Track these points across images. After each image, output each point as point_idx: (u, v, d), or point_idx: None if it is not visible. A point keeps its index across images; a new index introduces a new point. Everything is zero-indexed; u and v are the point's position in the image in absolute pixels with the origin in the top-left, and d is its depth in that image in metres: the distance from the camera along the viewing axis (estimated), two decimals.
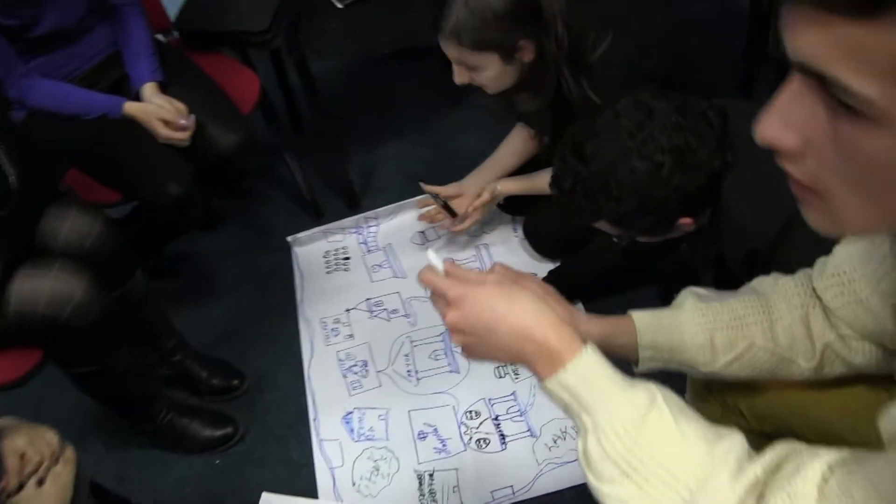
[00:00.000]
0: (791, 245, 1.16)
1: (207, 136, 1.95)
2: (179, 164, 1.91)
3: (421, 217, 2.23)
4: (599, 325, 1.10)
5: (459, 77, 1.67)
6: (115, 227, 1.73)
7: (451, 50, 1.61)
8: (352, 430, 1.95)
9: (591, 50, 1.61)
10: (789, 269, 1.08)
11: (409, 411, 1.96)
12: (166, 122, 1.86)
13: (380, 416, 1.97)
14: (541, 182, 1.97)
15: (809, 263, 1.04)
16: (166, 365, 2.03)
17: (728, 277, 1.34)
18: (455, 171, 2.22)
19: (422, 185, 2.14)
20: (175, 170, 1.89)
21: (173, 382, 2.06)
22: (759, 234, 1.22)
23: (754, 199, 1.22)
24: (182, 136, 1.88)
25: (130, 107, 1.87)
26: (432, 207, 2.18)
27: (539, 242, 2.17)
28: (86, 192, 1.93)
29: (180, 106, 1.89)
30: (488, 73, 1.63)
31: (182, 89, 1.97)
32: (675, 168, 1.18)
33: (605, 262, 1.99)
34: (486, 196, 2.04)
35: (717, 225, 1.31)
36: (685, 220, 1.28)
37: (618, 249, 1.48)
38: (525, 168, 2.08)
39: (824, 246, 1.01)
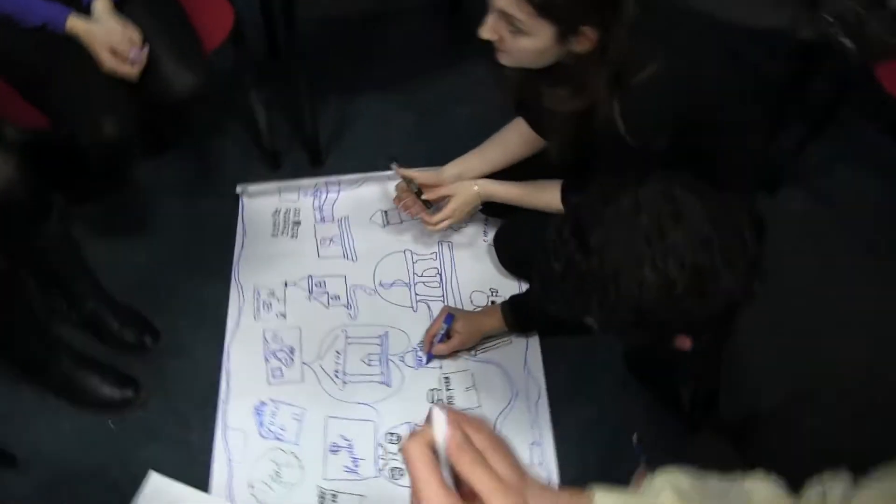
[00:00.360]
0: (792, 421, 1.00)
1: (160, 72, 1.67)
2: (122, 99, 1.64)
3: (395, 200, 1.98)
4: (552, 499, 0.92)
5: (491, 30, 1.38)
6: (27, 171, 1.47)
7: (501, 11, 1.33)
8: (261, 424, 1.78)
9: (637, 69, 1.37)
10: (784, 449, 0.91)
11: (326, 417, 1.78)
12: (114, 51, 1.59)
13: (294, 415, 1.79)
14: (535, 198, 1.76)
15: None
16: (74, 310, 1.82)
17: (706, 402, 1.18)
18: (439, 147, 2.01)
19: (393, 167, 1.90)
20: (115, 105, 1.62)
21: (79, 327, 1.86)
22: (764, 398, 1.04)
23: (769, 351, 1.05)
24: (130, 71, 1.61)
25: (75, 24, 1.58)
26: (405, 193, 1.94)
27: (507, 256, 1.96)
28: (9, 108, 1.66)
29: (134, 34, 1.61)
30: (531, 42, 1.35)
31: (141, 11, 1.68)
32: (690, 291, 0.99)
33: None
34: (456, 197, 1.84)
35: (718, 357, 1.12)
36: (682, 340, 1.10)
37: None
38: (515, 171, 1.85)
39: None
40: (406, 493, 1.56)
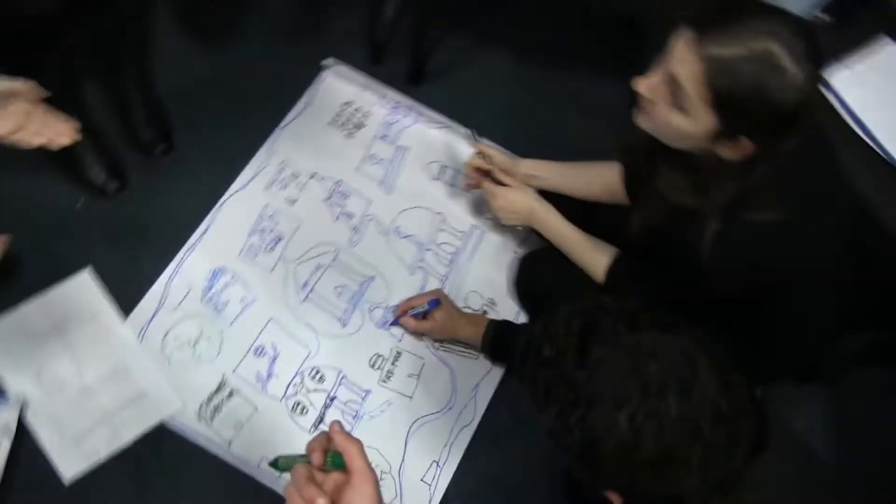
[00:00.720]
0: None
1: None
2: None
3: (466, 167, 1.80)
4: None
5: (650, 89, 1.19)
6: None
7: (686, 61, 1.11)
8: (209, 289, 1.70)
9: (762, 205, 1.20)
10: None
11: (270, 318, 1.69)
12: None
13: (244, 298, 1.70)
14: (582, 252, 1.61)
15: None
16: (113, 79, 1.74)
17: None
18: (524, 140, 1.86)
19: (474, 135, 1.76)
20: None
21: (107, 100, 1.77)
22: None
23: None
24: None
25: None
26: (476, 168, 1.76)
27: (522, 283, 1.81)
28: None
29: None
30: (685, 123, 1.17)
31: None
32: (651, 465, 0.87)
33: None
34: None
35: None
36: (615, 496, 0.98)
37: None
38: (579, 207, 1.70)
39: None
40: (294, 429, 1.50)
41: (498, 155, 1.73)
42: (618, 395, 0.87)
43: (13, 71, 1.23)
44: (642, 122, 1.26)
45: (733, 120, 1.12)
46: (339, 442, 0.89)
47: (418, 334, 1.73)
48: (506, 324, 1.69)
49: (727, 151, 1.18)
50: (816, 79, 1.10)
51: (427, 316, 1.69)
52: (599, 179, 1.67)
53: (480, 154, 1.73)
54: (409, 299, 1.72)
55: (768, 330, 1.37)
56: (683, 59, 1.11)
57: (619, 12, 1.98)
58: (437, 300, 1.68)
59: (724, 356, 0.92)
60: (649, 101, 1.21)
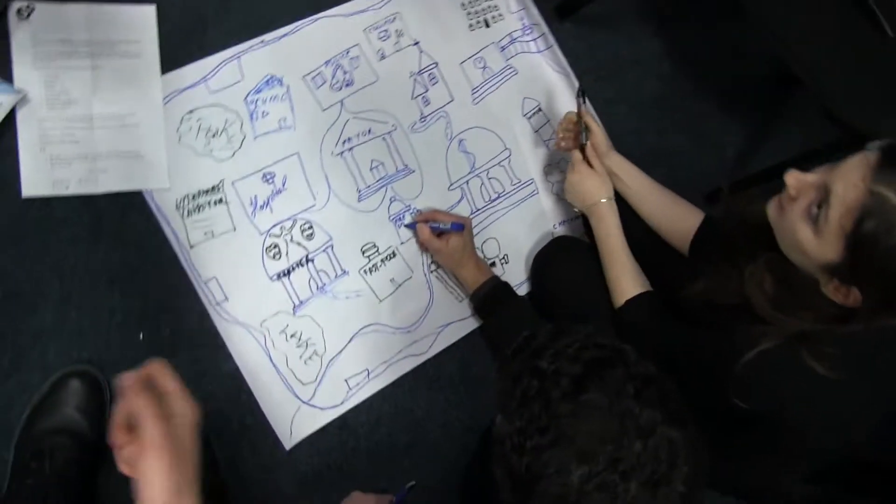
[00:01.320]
0: None
1: None
2: None
3: (558, 127, 1.62)
4: None
5: (799, 187, 1.05)
6: None
7: (850, 183, 0.96)
8: (257, 91, 1.56)
9: (823, 356, 1.07)
10: None
11: (296, 152, 1.57)
12: None
13: (283, 119, 1.57)
14: (619, 270, 1.48)
15: None
16: None
17: None
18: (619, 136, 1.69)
19: (581, 102, 1.59)
20: None
21: None
22: None
23: None
24: None
25: None
26: (570, 131, 1.60)
27: (542, 262, 1.66)
28: None
29: None
30: (809, 240, 1.03)
31: None
32: None
33: None
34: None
35: None
36: None
37: None
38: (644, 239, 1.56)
39: None
40: (259, 276, 1.40)
41: (598, 132, 1.57)
42: (587, 451, 0.80)
43: None
44: (771, 211, 1.12)
45: (859, 268, 0.98)
46: (133, 405, 0.79)
47: (424, 248, 1.61)
48: (506, 287, 1.58)
49: (832, 289, 1.04)
50: None
51: (442, 236, 1.57)
52: (676, 216, 1.52)
53: (580, 120, 1.57)
54: (437, 211, 1.60)
55: (753, 449, 1.27)
56: (850, 178, 0.97)
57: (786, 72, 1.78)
58: (462, 226, 1.56)
59: (705, 469, 0.84)
60: (790, 197, 1.06)
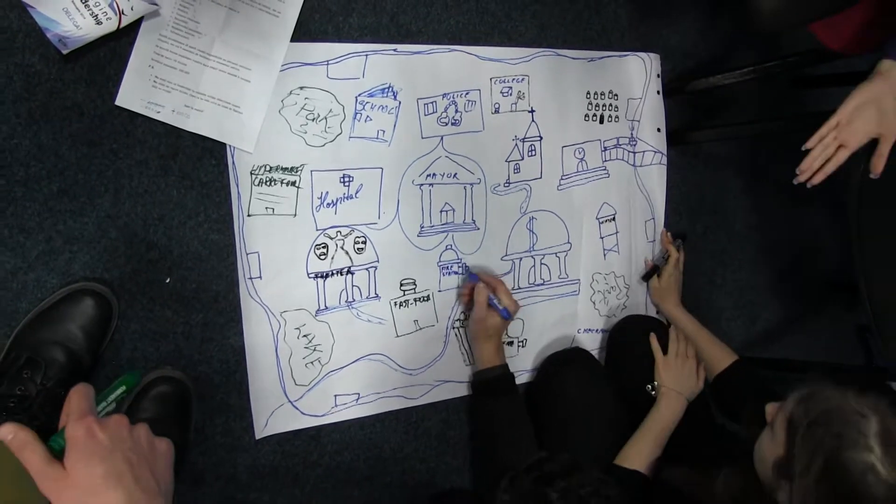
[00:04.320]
0: None
1: None
2: None
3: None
4: None
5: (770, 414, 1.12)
6: None
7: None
8: (370, 94, 1.46)
9: None
10: None
11: (382, 167, 1.48)
12: None
13: (381, 130, 1.47)
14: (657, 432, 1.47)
15: None
16: None
17: None
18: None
19: (672, 238, 1.57)
20: None
21: None
22: None
23: None
24: None
25: None
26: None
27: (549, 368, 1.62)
28: None
29: None
30: (763, 445, 1.10)
31: None
32: None
33: None
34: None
35: None
36: None
37: None
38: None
39: None
40: (298, 268, 1.31)
41: (665, 277, 1.70)
42: None
43: None
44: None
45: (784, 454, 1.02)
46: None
47: (467, 303, 1.54)
48: (512, 379, 1.50)
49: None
50: None
51: (489, 308, 1.49)
52: (713, 357, 1.59)
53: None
54: (503, 283, 1.51)
55: None
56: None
57: None
58: (510, 315, 1.48)
59: None
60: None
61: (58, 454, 0.65)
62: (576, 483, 0.91)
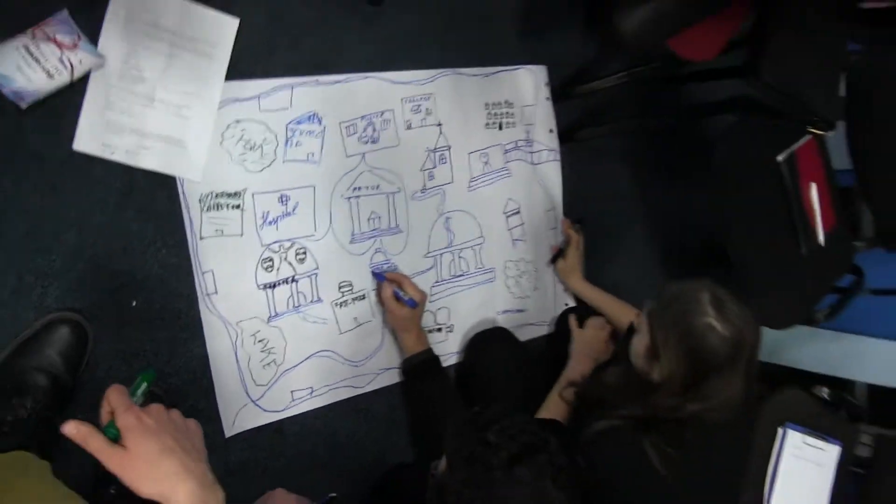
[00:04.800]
0: None
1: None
2: None
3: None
4: None
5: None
6: None
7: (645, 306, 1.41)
8: (297, 122, 1.63)
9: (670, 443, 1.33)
10: None
11: (313, 185, 1.65)
12: None
13: (311, 154, 1.65)
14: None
15: None
16: None
17: None
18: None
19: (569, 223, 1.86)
20: None
21: None
22: None
23: None
24: None
25: None
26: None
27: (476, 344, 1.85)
28: None
29: None
30: (635, 341, 1.41)
31: None
32: None
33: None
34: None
35: None
36: None
37: None
38: None
39: None
40: (248, 282, 1.47)
41: (571, 256, 1.96)
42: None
43: None
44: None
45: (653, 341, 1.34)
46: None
47: (381, 303, 1.73)
48: (436, 361, 1.72)
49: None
50: None
51: (399, 301, 1.68)
52: (619, 315, 1.83)
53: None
54: (406, 278, 1.71)
55: None
56: None
57: None
58: (416, 304, 1.68)
59: None
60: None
61: (113, 441, 0.83)
62: (508, 424, 1.11)
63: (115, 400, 0.86)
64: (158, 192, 1.50)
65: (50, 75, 1.36)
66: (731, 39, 1.76)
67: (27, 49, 1.32)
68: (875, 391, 2.31)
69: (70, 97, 1.41)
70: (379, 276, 1.72)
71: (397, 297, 1.68)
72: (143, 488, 0.81)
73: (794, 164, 1.84)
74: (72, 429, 0.81)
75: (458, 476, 1.07)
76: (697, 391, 1.28)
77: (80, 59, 1.39)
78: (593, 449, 1.36)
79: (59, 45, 1.35)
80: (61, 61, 1.37)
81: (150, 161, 1.48)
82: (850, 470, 1.84)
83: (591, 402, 1.50)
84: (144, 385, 0.96)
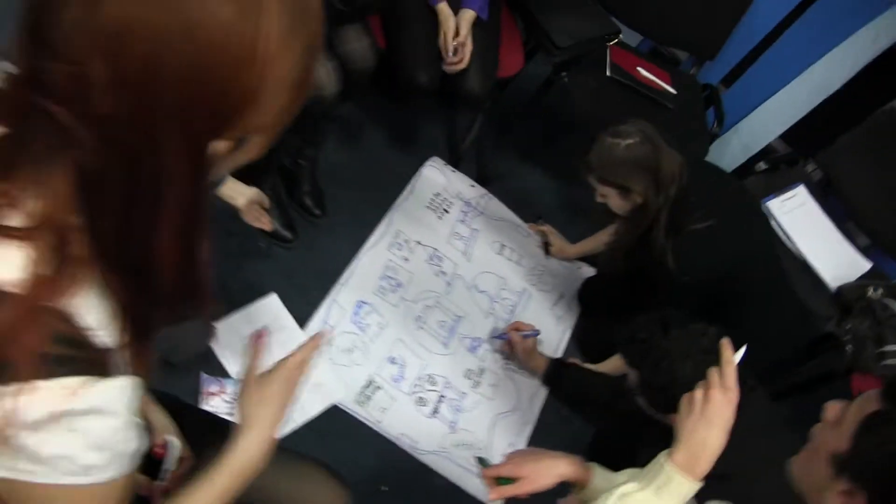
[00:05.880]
0: None
1: (467, 71, 2.19)
2: (436, 65, 2.15)
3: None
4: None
5: (598, 198, 1.97)
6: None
7: (590, 179, 1.93)
8: (356, 313, 2.18)
9: (689, 222, 1.88)
10: None
11: (398, 338, 2.20)
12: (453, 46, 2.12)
13: (379, 323, 2.21)
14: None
15: None
16: (288, 157, 2.26)
17: None
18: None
19: (540, 222, 2.46)
20: (431, 66, 2.14)
21: (281, 172, 2.28)
22: None
23: None
24: (455, 63, 2.13)
25: (442, 9, 2.11)
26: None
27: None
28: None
29: (469, 47, 2.13)
30: (610, 200, 1.94)
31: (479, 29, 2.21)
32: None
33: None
34: None
35: None
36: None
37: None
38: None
39: None
40: (418, 415, 2.01)
41: (555, 241, 2.50)
42: (682, 354, 1.50)
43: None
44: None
45: (617, 184, 1.89)
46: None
47: (510, 348, 2.27)
48: (559, 361, 2.26)
49: (636, 199, 1.89)
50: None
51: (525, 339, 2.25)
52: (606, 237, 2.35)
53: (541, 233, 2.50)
54: (517, 322, 2.30)
55: None
56: (588, 178, 1.96)
57: None
58: (538, 332, 2.27)
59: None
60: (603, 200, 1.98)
61: None
62: (648, 324, 1.63)
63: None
64: (335, 419, 2.00)
65: None
66: (527, 48, 2.47)
67: None
68: (784, 137, 2.94)
69: None
70: (501, 336, 2.28)
71: (525, 337, 2.25)
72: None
73: (619, 67, 2.54)
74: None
75: (647, 363, 1.54)
76: (659, 183, 1.82)
77: (233, 391, 1.90)
78: None
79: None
80: None
81: (314, 407, 1.99)
82: (821, 192, 2.54)
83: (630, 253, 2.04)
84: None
